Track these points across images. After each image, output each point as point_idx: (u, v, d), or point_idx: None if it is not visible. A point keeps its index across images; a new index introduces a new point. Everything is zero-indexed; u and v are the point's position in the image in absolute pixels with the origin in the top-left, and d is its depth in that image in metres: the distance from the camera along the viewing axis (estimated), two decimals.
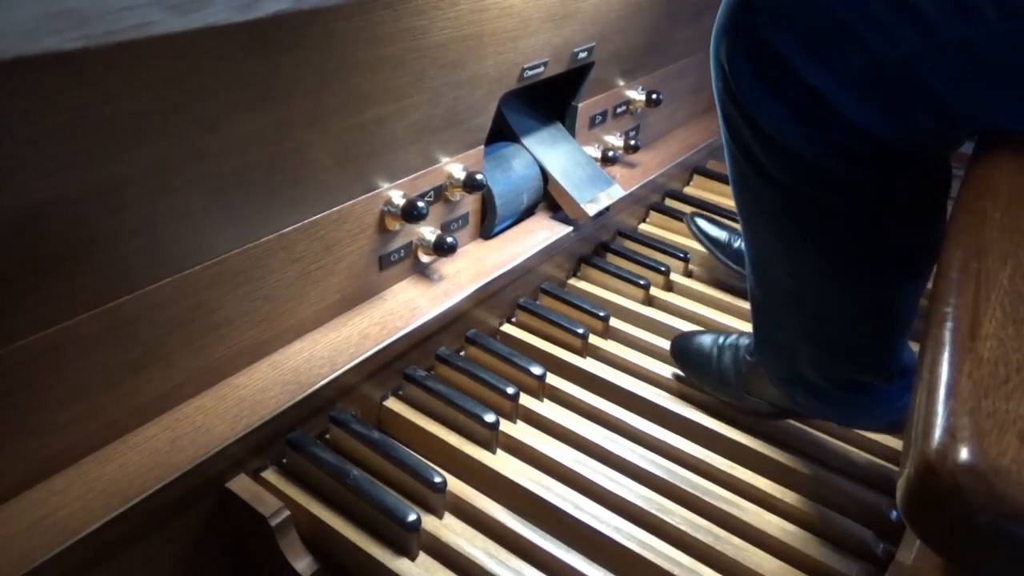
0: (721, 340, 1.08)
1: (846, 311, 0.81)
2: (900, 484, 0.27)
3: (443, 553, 0.84)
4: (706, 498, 0.93)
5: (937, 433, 0.26)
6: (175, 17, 0.48)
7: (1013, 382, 0.28)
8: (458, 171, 1.10)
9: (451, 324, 1.09)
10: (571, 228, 1.29)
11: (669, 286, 1.37)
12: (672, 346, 1.15)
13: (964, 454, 0.25)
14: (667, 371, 1.15)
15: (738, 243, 1.34)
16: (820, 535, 0.91)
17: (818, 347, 0.85)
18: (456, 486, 0.92)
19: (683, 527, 0.89)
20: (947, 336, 0.31)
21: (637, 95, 1.49)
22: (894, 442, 1.04)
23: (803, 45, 0.63)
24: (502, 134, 1.28)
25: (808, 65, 0.63)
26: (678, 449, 1.01)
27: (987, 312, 0.32)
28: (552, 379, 1.10)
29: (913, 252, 0.78)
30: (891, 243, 0.76)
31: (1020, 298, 0.33)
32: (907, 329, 0.85)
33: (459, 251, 1.17)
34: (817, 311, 0.82)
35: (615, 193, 1.33)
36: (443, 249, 1.08)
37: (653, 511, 0.91)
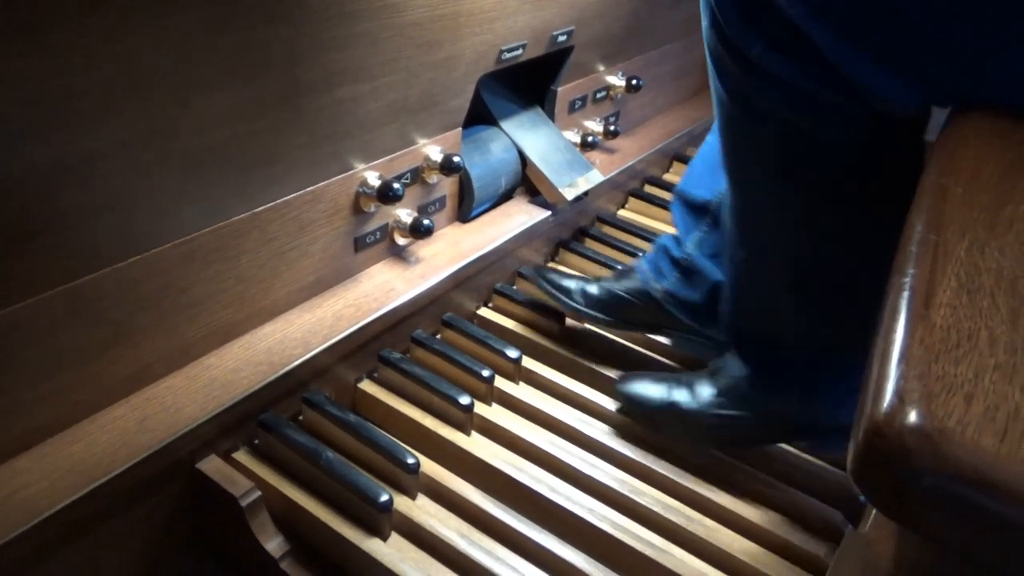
0: (671, 388, 0.99)
1: (822, 262, 0.80)
2: (850, 447, 0.27)
3: (416, 534, 0.84)
4: (678, 479, 0.94)
5: (887, 396, 0.26)
6: None
7: (964, 347, 0.28)
8: (435, 153, 1.09)
9: (427, 307, 1.09)
10: (549, 212, 1.28)
11: None
12: (620, 398, 1.03)
13: (912, 416, 0.25)
14: (642, 354, 1.16)
15: (593, 287, 1.13)
16: (790, 516, 0.91)
17: (796, 297, 0.85)
18: (430, 468, 0.92)
19: (655, 508, 0.90)
20: (903, 304, 0.31)
21: (617, 81, 1.49)
22: None
23: None
24: (481, 117, 1.27)
25: None
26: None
27: (943, 282, 0.32)
28: (528, 362, 1.10)
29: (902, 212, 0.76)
30: (876, 192, 0.73)
31: (976, 269, 0.33)
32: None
33: (436, 234, 1.17)
34: (797, 261, 0.82)
35: (594, 178, 1.33)
36: (420, 231, 1.07)
37: (626, 492, 0.91)
